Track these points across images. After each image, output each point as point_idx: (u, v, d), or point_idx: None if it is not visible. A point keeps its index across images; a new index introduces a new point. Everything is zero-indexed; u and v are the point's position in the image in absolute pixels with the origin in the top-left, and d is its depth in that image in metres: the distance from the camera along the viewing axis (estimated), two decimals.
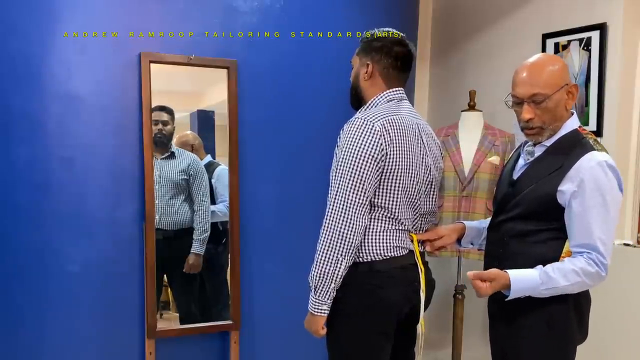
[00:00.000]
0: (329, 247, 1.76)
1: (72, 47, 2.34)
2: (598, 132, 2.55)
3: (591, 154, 1.67)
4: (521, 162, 1.83)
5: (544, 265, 1.68)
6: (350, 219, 1.75)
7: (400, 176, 1.81)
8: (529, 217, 1.73)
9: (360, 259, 1.82)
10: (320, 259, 1.77)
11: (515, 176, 1.82)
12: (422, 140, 1.90)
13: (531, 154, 1.79)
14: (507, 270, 1.69)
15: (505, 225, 1.80)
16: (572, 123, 1.75)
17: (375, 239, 1.83)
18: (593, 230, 1.64)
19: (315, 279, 1.79)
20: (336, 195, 1.77)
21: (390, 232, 1.84)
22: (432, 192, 1.95)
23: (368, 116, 1.79)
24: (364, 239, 1.81)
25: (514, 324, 1.77)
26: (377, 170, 1.77)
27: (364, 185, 1.75)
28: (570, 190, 1.65)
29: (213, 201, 2.74)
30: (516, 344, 1.77)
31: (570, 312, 1.73)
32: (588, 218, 1.64)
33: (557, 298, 1.69)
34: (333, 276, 1.77)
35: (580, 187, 1.64)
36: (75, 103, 2.36)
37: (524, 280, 1.68)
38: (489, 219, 1.99)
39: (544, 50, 2.76)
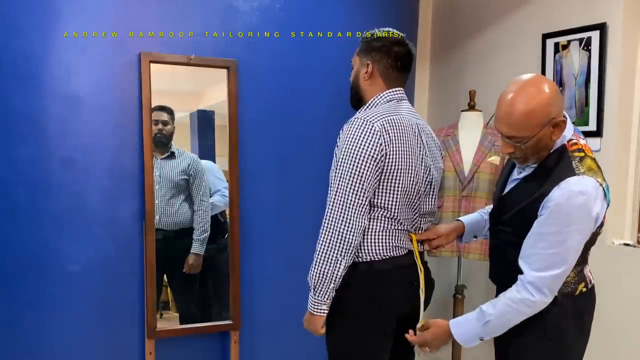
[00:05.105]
0: (328, 247, 1.76)
1: (72, 47, 2.34)
2: (598, 132, 2.55)
3: (567, 181, 1.56)
4: (515, 173, 1.79)
5: None
6: (350, 219, 1.75)
7: (400, 176, 1.81)
8: (519, 233, 1.69)
9: (360, 258, 1.82)
10: (320, 259, 1.77)
11: (507, 189, 1.78)
12: (422, 141, 1.90)
13: (522, 167, 1.74)
14: (451, 320, 1.76)
15: (502, 235, 1.79)
16: (562, 138, 1.64)
17: (375, 238, 1.83)
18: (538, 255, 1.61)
19: (315, 279, 1.79)
20: (336, 195, 1.76)
21: (389, 232, 1.84)
22: (431, 192, 1.95)
23: (368, 116, 1.79)
24: (364, 238, 1.82)
25: (514, 330, 1.75)
26: (377, 171, 1.77)
27: (363, 185, 1.75)
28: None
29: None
30: (517, 349, 1.77)
31: (566, 318, 1.70)
32: (539, 243, 1.60)
33: (553, 305, 1.66)
34: (332, 276, 1.77)
35: (545, 210, 1.59)
36: (75, 103, 2.37)
37: (463, 323, 1.73)
38: (490, 207, 1.99)
39: (544, 50, 2.75)
